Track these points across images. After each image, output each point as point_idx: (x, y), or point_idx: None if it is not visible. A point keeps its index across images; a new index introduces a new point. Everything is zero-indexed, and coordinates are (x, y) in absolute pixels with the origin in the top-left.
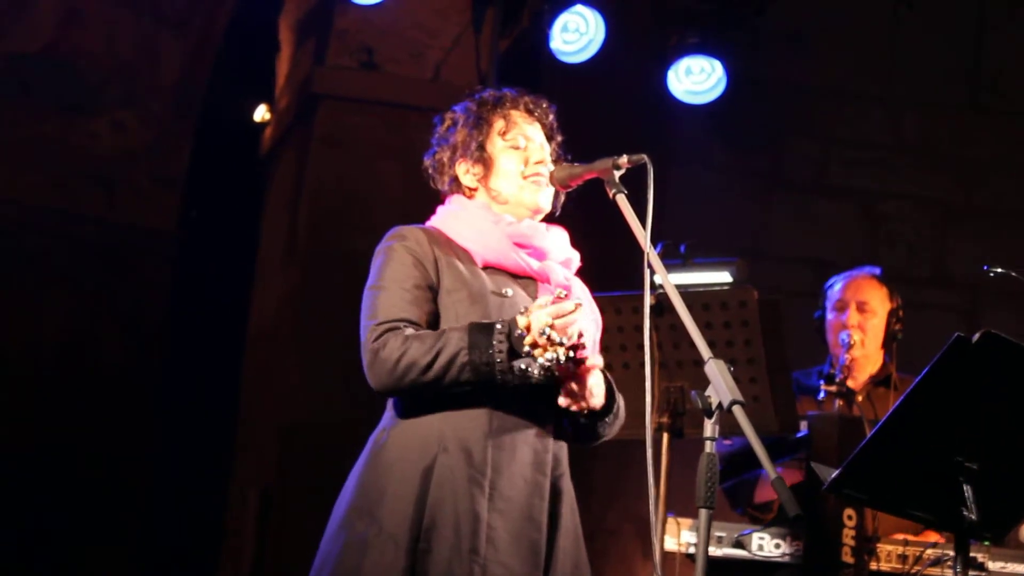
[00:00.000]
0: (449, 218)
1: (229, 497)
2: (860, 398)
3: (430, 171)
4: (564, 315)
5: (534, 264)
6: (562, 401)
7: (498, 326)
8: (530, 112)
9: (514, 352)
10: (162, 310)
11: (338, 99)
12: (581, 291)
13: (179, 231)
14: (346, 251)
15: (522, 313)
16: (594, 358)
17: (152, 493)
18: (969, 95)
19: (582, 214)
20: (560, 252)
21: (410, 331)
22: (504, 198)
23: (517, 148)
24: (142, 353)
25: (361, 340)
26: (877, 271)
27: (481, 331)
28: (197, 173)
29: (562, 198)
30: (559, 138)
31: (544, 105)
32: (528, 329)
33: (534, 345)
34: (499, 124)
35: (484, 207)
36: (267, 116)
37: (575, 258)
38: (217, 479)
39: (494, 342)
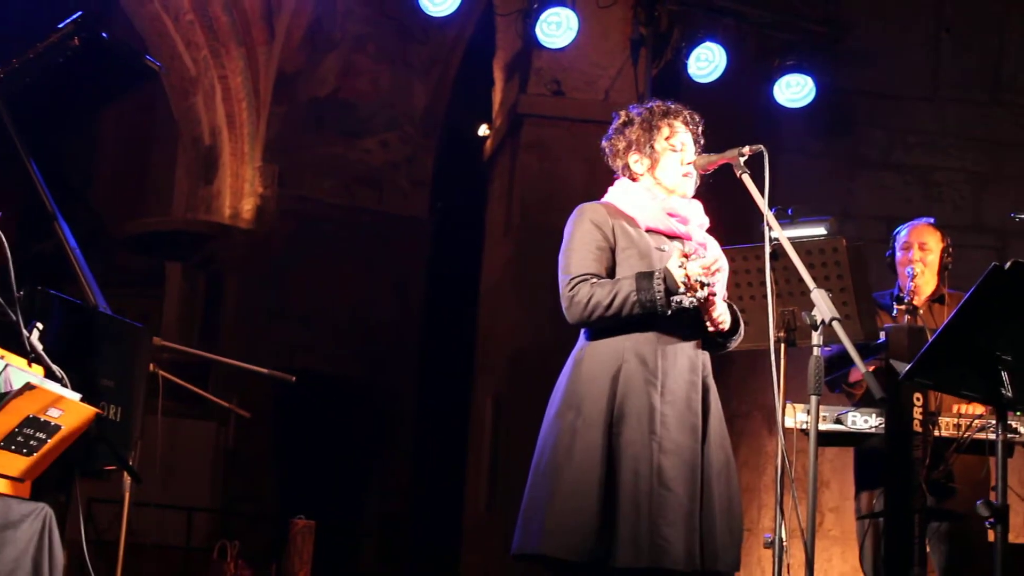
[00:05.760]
0: (619, 195)
1: (472, 406)
2: (922, 312)
3: (606, 151)
4: (708, 266)
5: (681, 228)
6: (709, 326)
7: (656, 274)
8: (687, 124)
9: (669, 291)
10: (421, 276)
11: (537, 118)
12: (713, 245)
13: (429, 218)
14: (546, 227)
15: (680, 267)
16: (721, 292)
17: (418, 411)
18: (991, 93)
19: (714, 191)
20: (698, 218)
21: (594, 280)
22: (664, 183)
23: (676, 150)
24: (407, 308)
25: (560, 288)
26: (932, 220)
27: (645, 278)
28: (440, 175)
29: (699, 180)
30: (702, 142)
31: (696, 118)
32: (688, 277)
33: (688, 287)
34: (665, 130)
35: (645, 188)
36: (487, 132)
37: (706, 222)
38: (462, 393)
39: (655, 286)
